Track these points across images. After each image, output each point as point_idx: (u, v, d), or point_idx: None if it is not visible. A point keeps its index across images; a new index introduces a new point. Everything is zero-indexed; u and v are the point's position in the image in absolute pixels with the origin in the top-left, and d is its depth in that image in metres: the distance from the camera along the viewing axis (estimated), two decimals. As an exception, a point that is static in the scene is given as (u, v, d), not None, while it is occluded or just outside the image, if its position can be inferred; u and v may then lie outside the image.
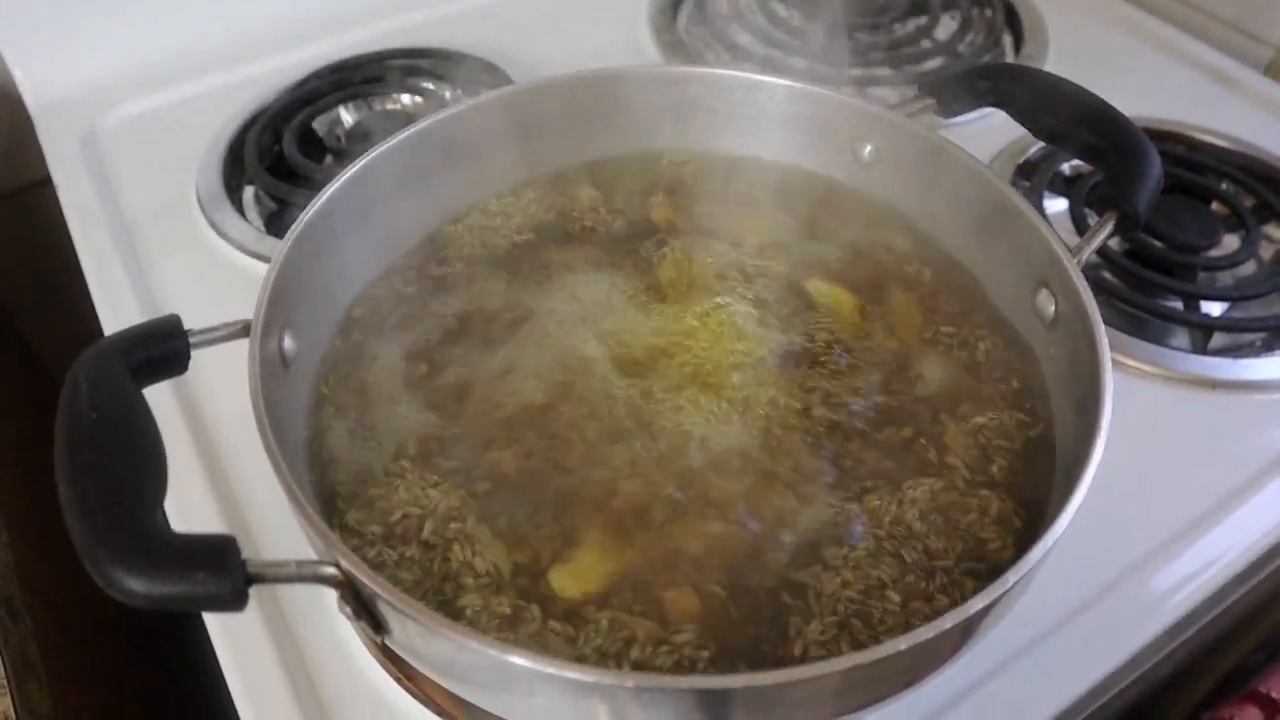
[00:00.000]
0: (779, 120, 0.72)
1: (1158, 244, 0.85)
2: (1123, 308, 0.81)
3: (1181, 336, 0.81)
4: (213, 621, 0.60)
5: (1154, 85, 1.03)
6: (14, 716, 0.57)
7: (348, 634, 0.60)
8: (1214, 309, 0.83)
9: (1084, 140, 0.63)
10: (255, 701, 0.57)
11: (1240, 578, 0.66)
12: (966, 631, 0.45)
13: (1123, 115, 0.62)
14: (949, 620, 0.41)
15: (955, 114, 0.69)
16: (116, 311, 0.80)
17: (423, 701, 0.57)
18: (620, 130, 0.74)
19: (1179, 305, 0.81)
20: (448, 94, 1.00)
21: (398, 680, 0.58)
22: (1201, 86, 1.03)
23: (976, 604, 0.42)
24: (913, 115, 0.69)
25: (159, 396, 0.58)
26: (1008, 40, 1.10)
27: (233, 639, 0.60)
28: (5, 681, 0.58)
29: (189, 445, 0.69)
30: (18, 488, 0.82)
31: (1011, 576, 0.43)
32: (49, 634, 0.70)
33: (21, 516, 0.78)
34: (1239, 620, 0.72)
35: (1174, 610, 0.63)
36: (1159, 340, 0.78)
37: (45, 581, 0.74)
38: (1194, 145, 0.96)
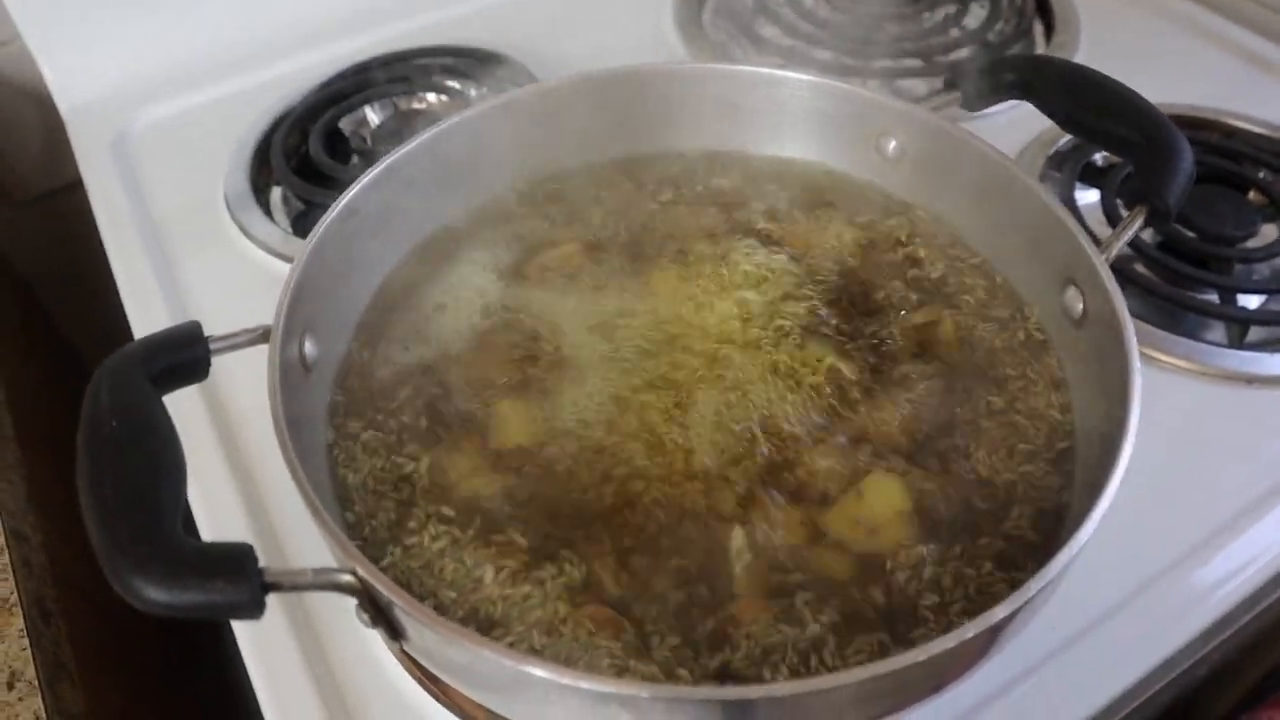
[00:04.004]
0: (802, 116, 0.72)
1: (1192, 235, 0.83)
2: (1156, 301, 0.79)
3: (1217, 330, 0.79)
4: (239, 624, 0.61)
5: (1189, 71, 1.00)
6: (44, 717, 0.58)
7: (373, 637, 0.60)
8: (1251, 302, 0.81)
9: (1113, 133, 0.61)
10: (281, 704, 0.58)
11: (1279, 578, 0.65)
12: (989, 640, 0.44)
13: (1152, 106, 0.61)
14: (970, 630, 0.41)
15: (980, 107, 0.68)
16: (144, 311, 0.81)
17: (447, 705, 0.57)
18: (642, 129, 0.73)
19: (1214, 298, 0.79)
20: (473, 92, 1.00)
21: (421, 683, 0.58)
22: (1238, 71, 1.01)
23: (999, 613, 0.41)
24: (937, 109, 0.67)
25: (186, 399, 0.59)
26: (1038, 28, 1.08)
27: (259, 641, 0.60)
28: (36, 682, 0.59)
29: (215, 447, 0.70)
30: (54, 486, 0.83)
31: (1034, 585, 0.42)
32: (85, 631, 0.71)
33: (58, 513, 0.79)
34: (1278, 620, 0.71)
35: (1211, 611, 0.62)
36: (1194, 334, 0.76)
37: (82, 577, 0.76)
38: (1230, 133, 0.94)
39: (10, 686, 0.59)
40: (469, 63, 1.02)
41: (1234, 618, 0.64)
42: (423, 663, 0.51)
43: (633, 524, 0.54)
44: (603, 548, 0.53)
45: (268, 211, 0.89)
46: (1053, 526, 0.54)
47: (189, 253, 0.86)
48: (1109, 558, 0.61)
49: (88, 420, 0.45)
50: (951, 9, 1.09)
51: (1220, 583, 0.63)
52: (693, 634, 0.49)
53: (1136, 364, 0.50)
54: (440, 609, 0.50)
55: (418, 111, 1.00)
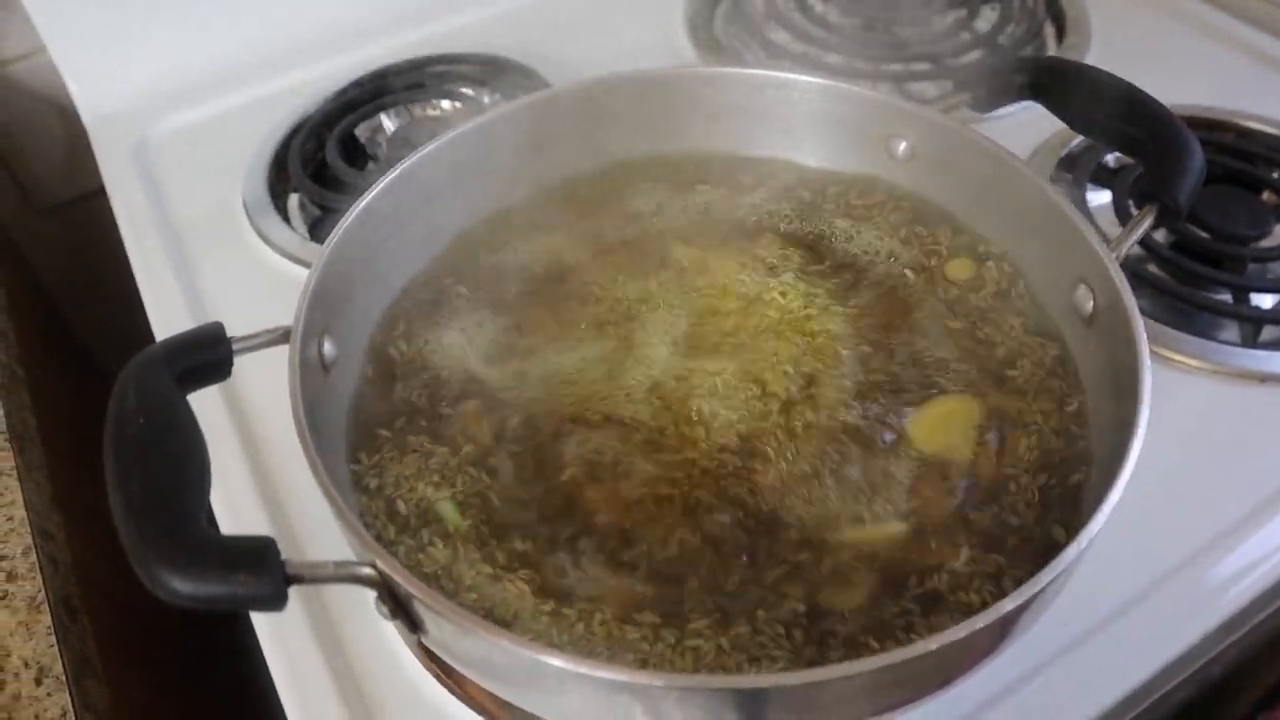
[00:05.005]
0: (811, 119, 0.72)
1: (1205, 235, 0.83)
2: (1169, 301, 0.79)
3: (1230, 330, 0.79)
4: (259, 619, 0.62)
5: (1202, 72, 1.00)
6: (71, 711, 0.59)
7: (391, 632, 0.61)
8: (1265, 301, 0.81)
9: (1122, 132, 0.62)
10: (301, 698, 0.59)
11: (1293, 576, 0.65)
12: (1000, 631, 0.45)
13: (1161, 105, 0.61)
14: (979, 621, 0.41)
15: (991, 108, 0.68)
16: (165, 316, 0.82)
17: (462, 699, 0.58)
18: (651, 132, 0.74)
19: (1228, 298, 0.80)
20: (486, 99, 1.01)
21: (439, 678, 0.59)
22: (1251, 72, 1.01)
23: (1008, 604, 0.42)
24: (948, 110, 0.68)
25: (208, 399, 0.60)
26: (1050, 31, 1.08)
27: (278, 636, 0.61)
28: (63, 677, 0.60)
29: (236, 446, 0.71)
30: (78, 488, 0.85)
31: (1044, 577, 0.42)
32: (109, 628, 0.72)
33: (81, 514, 0.80)
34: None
35: (1223, 609, 0.62)
36: (1207, 334, 0.76)
37: (106, 575, 0.77)
38: (1243, 133, 0.94)
39: (39, 682, 0.60)
40: (482, 69, 1.03)
41: (1248, 616, 0.64)
42: (440, 655, 0.51)
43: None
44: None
45: (285, 217, 0.91)
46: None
47: (208, 257, 0.88)
48: (1121, 555, 0.62)
49: (114, 420, 0.46)
50: (962, 13, 1.09)
51: (1233, 580, 0.63)
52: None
53: (1146, 359, 0.51)
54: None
55: (432, 118, 1.02)
